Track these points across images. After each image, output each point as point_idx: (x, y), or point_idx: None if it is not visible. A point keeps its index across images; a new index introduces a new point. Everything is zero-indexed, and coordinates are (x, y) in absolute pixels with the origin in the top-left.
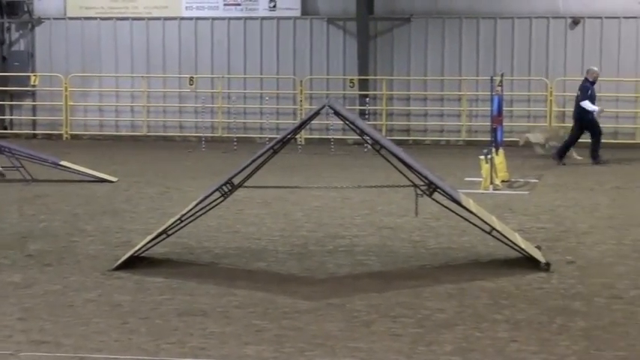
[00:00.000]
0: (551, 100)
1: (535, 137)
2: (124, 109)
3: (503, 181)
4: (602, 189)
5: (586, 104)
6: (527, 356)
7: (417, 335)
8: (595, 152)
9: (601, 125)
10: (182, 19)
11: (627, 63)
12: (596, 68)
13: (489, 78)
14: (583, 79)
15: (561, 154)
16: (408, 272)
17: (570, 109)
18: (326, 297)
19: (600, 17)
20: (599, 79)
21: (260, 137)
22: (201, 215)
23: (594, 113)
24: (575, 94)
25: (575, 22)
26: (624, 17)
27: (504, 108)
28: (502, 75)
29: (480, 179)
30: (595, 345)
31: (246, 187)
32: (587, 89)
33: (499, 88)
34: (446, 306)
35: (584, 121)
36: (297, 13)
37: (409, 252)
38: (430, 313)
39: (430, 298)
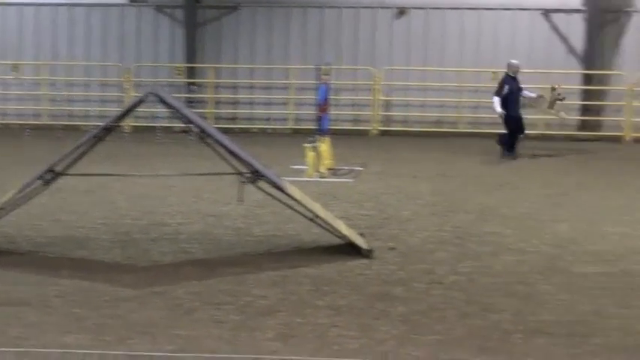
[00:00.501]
0: (376, 89)
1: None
2: None
3: (328, 169)
4: (425, 177)
5: (494, 101)
6: (347, 341)
7: (239, 322)
8: (510, 145)
9: (426, 114)
10: (7, 4)
11: (451, 53)
12: (515, 61)
13: (316, 67)
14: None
15: (510, 147)
16: (231, 260)
17: (396, 97)
18: (149, 285)
19: (425, 8)
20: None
21: (85, 125)
22: (22, 204)
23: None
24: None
25: (401, 12)
26: (448, 8)
27: (331, 97)
28: (329, 64)
29: (306, 167)
30: (414, 329)
31: (69, 174)
32: (502, 84)
33: (325, 77)
34: (268, 293)
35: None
36: (126, 0)
37: (233, 239)
38: (252, 300)
39: (253, 286)
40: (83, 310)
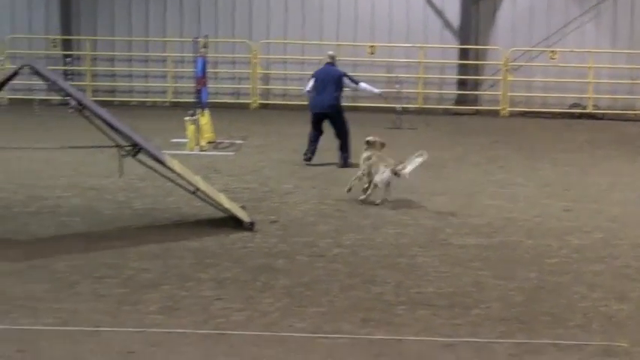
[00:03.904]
0: (255, 63)
1: None
2: None
3: (208, 143)
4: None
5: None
6: (231, 313)
7: (122, 295)
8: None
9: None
10: None
11: (328, 27)
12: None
13: (193, 40)
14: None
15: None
16: (112, 233)
17: (275, 71)
18: (29, 259)
19: None
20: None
21: None
22: None
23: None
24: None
25: None
26: None
27: (209, 70)
28: (206, 37)
29: (186, 140)
30: (297, 301)
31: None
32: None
33: (203, 50)
34: (151, 266)
35: None
36: None
37: (114, 213)
38: (135, 273)
39: (135, 259)
40: None
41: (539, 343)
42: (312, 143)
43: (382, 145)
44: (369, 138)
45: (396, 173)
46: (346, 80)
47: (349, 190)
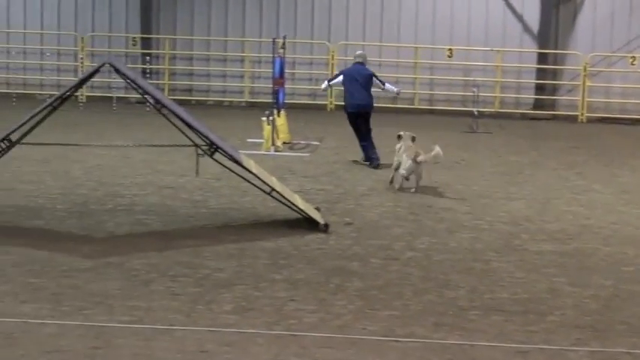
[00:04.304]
0: (332, 64)
1: None
2: None
3: (284, 143)
4: (381, 153)
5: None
6: (304, 315)
7: (197, 294)
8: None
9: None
10: None
11: (406, 30)
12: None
13: (272, 40)
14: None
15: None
16: (188, 232)
17: None
18: (105, 256)
19: None
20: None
21: (40, 94)
22: None
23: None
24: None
25: None
26: None
27: (286, 70)
28: (285, 37)
29: (262, 141)
30: (370, 304)
31: (24, 143)
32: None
33: (282, 51)
34: (225, 265)
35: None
36: None
37: (190, 212)
38: (210, 272)
39: (210, 258)
40: (40, 279)
41: (614, 351)
42: (369, 149)
43: (413, 138)
44: (400, 132)
45: (414, 160)
46: (376, 81)
47: (391, 182)
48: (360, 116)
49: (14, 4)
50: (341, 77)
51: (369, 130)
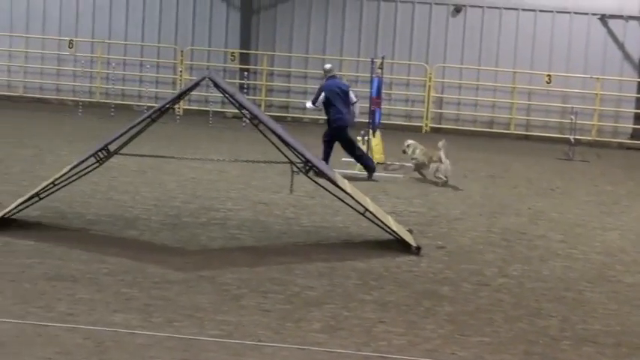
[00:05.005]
0: (429, 86)
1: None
2: (1, 68)
3: (378, 164)
4: (476, 176)
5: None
6: (393, 337)
7: (286, 311)
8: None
9: (478, 114)
10: None
11: (506, 53)
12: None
13: (370, 60)
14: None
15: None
16: (280, 248)
17: (449, 95)
18: (197, 269)
19: (482, 7)
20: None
21: (138, 105)
22: (74, 180)
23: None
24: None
25: (457, 9)
26: (505, 8)
27: (383, 90)
28: (383, 58)
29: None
30: (460, 329)
31: (122, 154)
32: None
33: (379, 71)
34: (316, 284)
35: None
36: None
37: (282, 228)
38: (300, 290)
39: (301, 276)
40: (132, 290)
41: None
42: (365, 157)
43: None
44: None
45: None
46: (352, 94)
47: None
48: (345, 131)
49: (116, 16)
50: (323, 94)
51: (353, 141)
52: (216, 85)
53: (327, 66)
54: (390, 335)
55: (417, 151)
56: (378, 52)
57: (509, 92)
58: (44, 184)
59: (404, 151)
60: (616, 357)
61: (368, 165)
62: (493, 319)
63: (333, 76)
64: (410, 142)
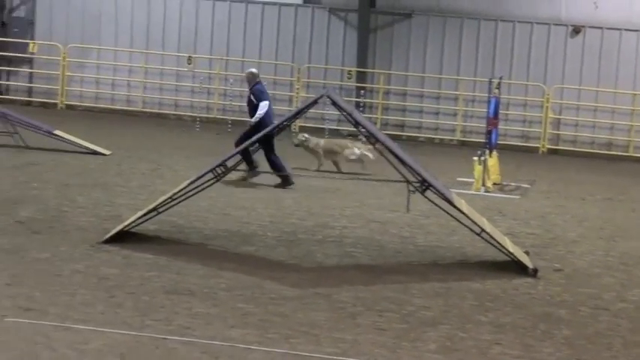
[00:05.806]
0: (547, 107)
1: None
2: (121, 83)
3: (494, 184)
4: (594, 199)
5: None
6: (509, 359)
7: (402, 331)
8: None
9: (597, 136)
10: None
11: (626, 75)
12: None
13: (487, 80)
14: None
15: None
16: (395, 267)
17: (567, 117)
18: (313, 286)
19: (601, 27)
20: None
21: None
22: (192, 195)
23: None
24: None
25: (576, 30)
26: (625, 29)
27: (500, 111)
28: (501, 78)
29: (472, 180)
30: (578, 354)
31: (239, 170)
32: None
33: (497, 91)
34: (432, 304)
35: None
36: (300, 0)
37: (398, 247)
38: (416, 309)
39: (417, 295)
40: (248, 305)
41: None
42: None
43: None
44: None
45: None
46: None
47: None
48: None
49: (235, 33)
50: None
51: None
52: (334, 103)
53: (253, 70)
54: (506, 357)
55: (322, 142)
56: (495, 73)
57: (628, 114)
58: (162, 198)
59: (298, 145)
60: None
61: (250, 161)
62: (612, 344)
63: (260, 82)
64: (305, 135)
